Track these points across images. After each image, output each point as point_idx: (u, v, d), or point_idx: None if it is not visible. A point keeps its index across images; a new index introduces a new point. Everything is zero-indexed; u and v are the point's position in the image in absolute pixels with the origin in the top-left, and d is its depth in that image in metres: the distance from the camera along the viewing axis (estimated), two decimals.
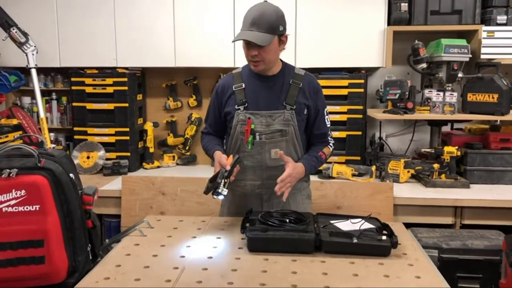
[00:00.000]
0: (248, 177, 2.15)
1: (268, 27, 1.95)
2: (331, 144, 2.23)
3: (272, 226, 1.84)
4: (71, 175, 1.63)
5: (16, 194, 1.51)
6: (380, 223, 1.96)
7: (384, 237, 1.78)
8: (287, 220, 1.90)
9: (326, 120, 2.21)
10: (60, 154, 1.68)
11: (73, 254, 1.59)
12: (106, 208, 3.03)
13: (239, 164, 2.04)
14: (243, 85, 2.11)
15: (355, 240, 1.75)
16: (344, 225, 1.92)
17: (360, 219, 1.94)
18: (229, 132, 2.15)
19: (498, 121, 3.23)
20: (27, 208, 1.51)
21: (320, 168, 3.08)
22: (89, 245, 1.68)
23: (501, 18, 3.05)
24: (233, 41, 2.09)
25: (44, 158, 1.58)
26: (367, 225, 1.89)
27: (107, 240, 1.99)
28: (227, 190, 1.91)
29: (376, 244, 1.76)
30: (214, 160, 2.07)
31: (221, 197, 1.91)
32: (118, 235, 2.04)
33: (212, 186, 1.91)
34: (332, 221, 1.95)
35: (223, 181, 1.91)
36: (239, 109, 2.09)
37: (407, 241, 1.91)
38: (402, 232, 2.01)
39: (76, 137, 3.49)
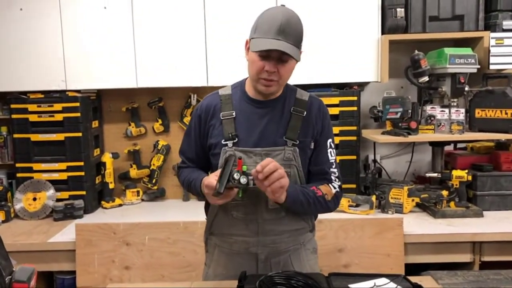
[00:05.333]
0: (239, 232, 1.66)
1: (295, 37, 1.55)
2: (334, 185, 1.68)
3: None
4: None
5: None
6: (410, 283, 1.56)
7: None
8: None
9: (329, 154, 1.70)
10: None
11: None
12: (57, 264, 2.49)
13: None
14: (234, 114, 1.64)
15: None
16: None
17: (386, 280, 1.56)
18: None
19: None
20: None
21: None
22: None
23: (508, 24, 2.69)
24: (257, 51, 1.51)
25: None
26: None
27: None
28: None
29: None
30: (205, 187, 1.52)
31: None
32: None
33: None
34: (351, 286, 1.54)
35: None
36: (226, 144, 1.61)
37: None
38: None
39: (19, 175, 2.92)
